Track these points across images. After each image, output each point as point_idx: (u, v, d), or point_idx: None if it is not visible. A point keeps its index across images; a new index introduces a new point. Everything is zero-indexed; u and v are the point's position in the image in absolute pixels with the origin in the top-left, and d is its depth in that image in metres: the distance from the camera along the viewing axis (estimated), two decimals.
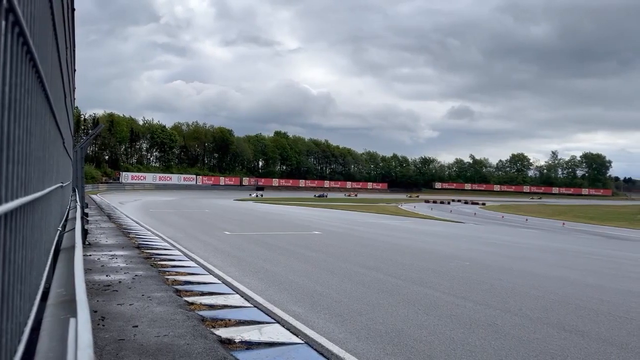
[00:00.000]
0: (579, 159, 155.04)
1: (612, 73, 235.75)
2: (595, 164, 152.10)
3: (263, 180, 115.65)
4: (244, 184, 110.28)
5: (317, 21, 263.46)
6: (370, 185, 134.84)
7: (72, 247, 3.52)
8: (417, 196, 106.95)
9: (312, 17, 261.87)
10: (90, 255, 10.50)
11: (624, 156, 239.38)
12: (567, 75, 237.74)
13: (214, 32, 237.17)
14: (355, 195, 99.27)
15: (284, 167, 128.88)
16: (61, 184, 5.61)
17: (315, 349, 5.16)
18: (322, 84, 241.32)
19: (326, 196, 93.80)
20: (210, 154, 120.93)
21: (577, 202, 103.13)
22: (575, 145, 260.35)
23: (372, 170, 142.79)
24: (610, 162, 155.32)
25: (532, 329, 6.32)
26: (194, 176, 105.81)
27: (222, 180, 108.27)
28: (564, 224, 39.20)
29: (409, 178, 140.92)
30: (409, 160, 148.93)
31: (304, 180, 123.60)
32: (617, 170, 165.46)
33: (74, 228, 4.85)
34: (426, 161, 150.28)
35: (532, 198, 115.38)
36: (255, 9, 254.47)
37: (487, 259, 13.38)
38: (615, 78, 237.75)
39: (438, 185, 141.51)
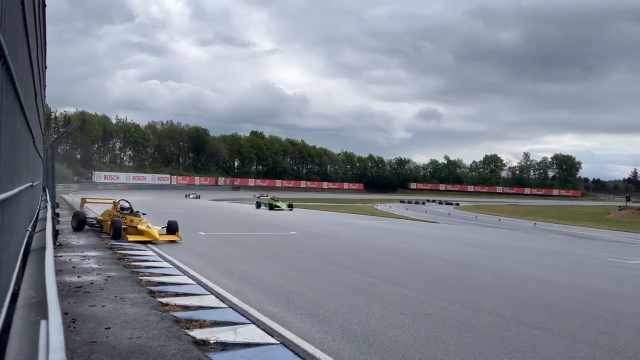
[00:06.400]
0: (550, 160, 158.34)
1: (577, 78, 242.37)
2: (566, 165, 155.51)
3: (239, 180, 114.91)
4: (219, 183, 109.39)
5: (292, 23, 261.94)
6: (346, 185, 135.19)
7: (43, 248, 3.45)
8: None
9: (288, 19, 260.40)
10: (61, 256, 10.29)
11: (589, 158, 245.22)
12: (534, 79, 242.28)
13: (190, 33, 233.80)
14: (266, 196, 68.26)
15: (260, 167, 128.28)
16: (31, 184, 5.49)
17: (291, 349, 5.15)
18: (297, 85, 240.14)
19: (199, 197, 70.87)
20: (185, 153, 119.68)
21: (548, 202, 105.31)
22: (544, 147, 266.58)
23: (348, 171, 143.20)
24: (580, 163, 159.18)
25: (505, 327, 6.43)
26: (168, 176, 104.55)
27: (197, 180, 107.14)
28: (535, 224, 39.95)
29: (385, 179, 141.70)
30: (385, 160, 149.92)
31: (280, 180, 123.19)
32: (583, 171, 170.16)
33: (45, 228, 4.76)
34: (401, 162, 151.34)
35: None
36: (231, 10, 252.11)
37: (462, 259, 13.56)
38: (580, 83, 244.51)
39: (413, 185, 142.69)
